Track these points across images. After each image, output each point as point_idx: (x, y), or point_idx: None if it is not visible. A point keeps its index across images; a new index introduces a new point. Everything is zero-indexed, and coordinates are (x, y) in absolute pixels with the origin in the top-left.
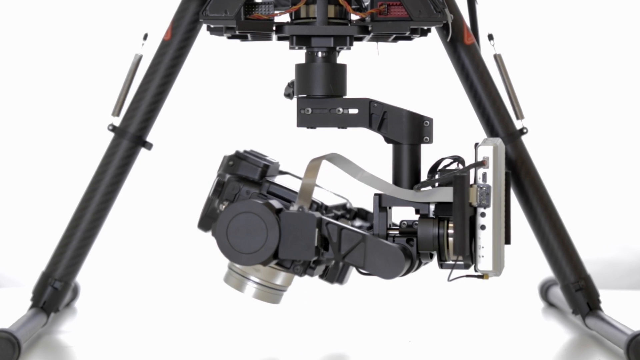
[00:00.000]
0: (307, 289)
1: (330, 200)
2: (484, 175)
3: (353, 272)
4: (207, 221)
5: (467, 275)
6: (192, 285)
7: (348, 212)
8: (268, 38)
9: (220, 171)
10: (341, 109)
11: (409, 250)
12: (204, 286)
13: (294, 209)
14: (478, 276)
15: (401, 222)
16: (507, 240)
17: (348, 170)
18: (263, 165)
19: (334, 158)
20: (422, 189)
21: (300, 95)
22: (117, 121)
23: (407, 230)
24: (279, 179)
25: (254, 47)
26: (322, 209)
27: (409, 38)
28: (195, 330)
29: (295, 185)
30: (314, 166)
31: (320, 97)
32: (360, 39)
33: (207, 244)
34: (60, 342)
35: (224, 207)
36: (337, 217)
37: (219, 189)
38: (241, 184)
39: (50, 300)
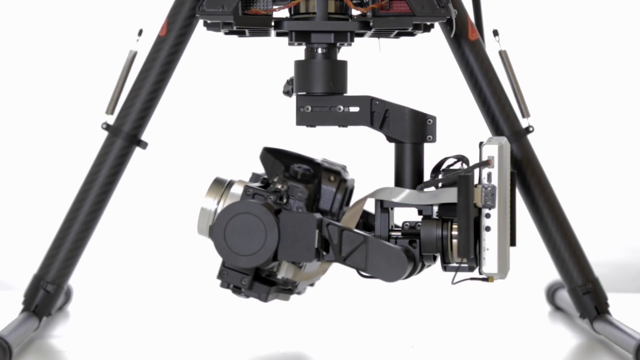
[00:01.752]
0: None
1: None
2: (489, 175)
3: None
4: (269, 158)
5: (472, 278)
6: (189, 288)
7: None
8: (266, 34)
9: (325, 165)
10: (342, 107)
11: (411, 252)
12: (200, 289)
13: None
14: (483, 279)
15: (403, 223)
16: (513, 242)
17: (392, 196)
18: (333, 212)
19: (378, 193)
20: (425, 190)
21: (299, 93)
22: (111, 119)
23: (410, 232)
24: None
25: (252, 43)
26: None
27: (411, 34)
28: (191, 335)
29: None
30: (354, 213)
31: (320, 94)
32: (361, 35)
33: (203, 245)
34: (53, 347)
35: (278, 186)
36: None
37: (299, 178)
38: (307, 201)
39: (42, 303)
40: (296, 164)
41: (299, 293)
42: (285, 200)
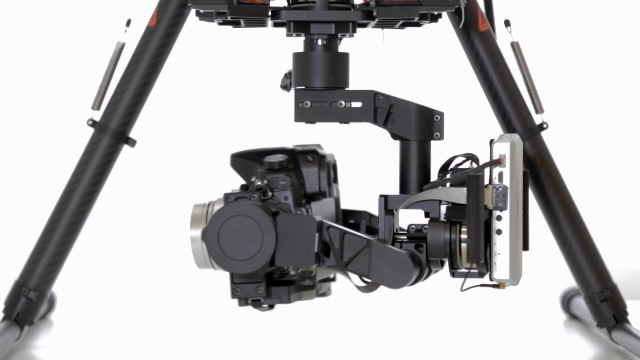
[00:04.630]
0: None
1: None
2: (500, 174)
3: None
4: (240, 162)
5: (482, 285)
6: (180, 294)
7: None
8: (263, 24)
9: (297, 149)
10: (343, 102)
11: (417, 257)
12: (191, 296)
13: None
14: (494, 285)
15: (409, 226)
16: (526, 246)
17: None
18: (323, 191)
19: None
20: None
21: (298, 87)
22: (97, 115)
23: (416, 235)
24: (318, 208)
25: (248, 34)
26: None
27: (417, 24)
28: (182, 346)
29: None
30: None
31: (320, 89)
32: (364, 26)
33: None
34: (35, 357)
35: (258, 182)
36: None
37: (277, 168)
38: (291, 188)
39: (24, 312)
40: (269, 156)
41: (324, 294)
42: (270, 194)
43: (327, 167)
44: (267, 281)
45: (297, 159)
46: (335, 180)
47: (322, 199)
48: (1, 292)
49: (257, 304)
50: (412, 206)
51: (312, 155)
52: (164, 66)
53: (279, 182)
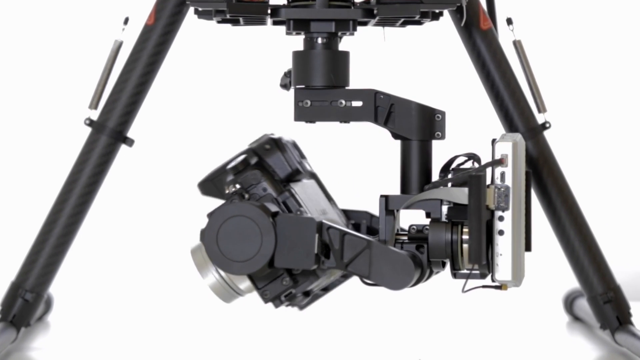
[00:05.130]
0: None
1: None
2: (502, 174)
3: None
4: (209, 187)
5: (484, 286)
6: (177, 296)
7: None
8: (262, 22)
9: (253, 146)
10: (343, 101)
11: (418, 258)
12: (190, 297)
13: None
14: (496, 287)
15: (410, 226)
16: (528, 247)
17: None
18: (295, 168)
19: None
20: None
21: (298, 86)
22: (94, 115)
23: (417, 236)
24: (302, 189)
25: (247, 33)
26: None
27: (418, 22)
28: (178, 346)
29: (317, 200)
30: None
31: (320, 88)
32: (364, 24)
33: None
34: (32, 359)
35: (233, 189)
36: None
37: (241, 168)
38: (264, 177)
39: (21, 313)
40: (230, 164)
41: (345, 275)
42: (247, 195)
43: (287, 147)
44: (288, 271)
45: (257, 154)
46: (303, 156)
47: (302, 180)
48: None
49: (291, 298)
50: (413, 206)
51: (269, 143)
52: (162, 65)
53: (249, 179)
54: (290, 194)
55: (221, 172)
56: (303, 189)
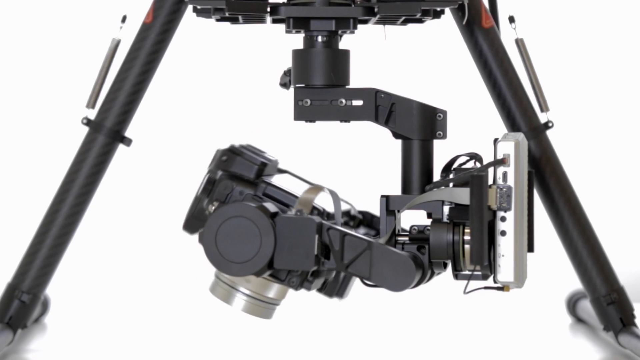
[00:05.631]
0: (305, 302)
1: (332, 206)
2: (505, 174)
3: (356, 284)
4: (194, 223)
5: (486, 287)
6: (176, 297)
7: (352, 220)
8: (262, 20)
9: (211, 167)
10: (344, 101)
11: (420, 259)
12: (189, 298)
13: (292, 214)
14: (498, 288)
15: (411, 227)
16: (531, 248)
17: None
18: (260, 163)
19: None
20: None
21: (297, 85)
22: (92, 114)
23: (418, 237)
24: (277, 179)
25: (246, 31)
26: (324, 215)
27: (420, 20)
28: (176, 347)
29: (295, 186)
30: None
31: (320, 87)
32: (365, 22)
33: (194, 250)
34: None
35: (213, 208)
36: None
37: (209, 187)
38: (234, 183)
39: (17, 315)
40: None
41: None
42: (225, 199)
43: (243, 150)
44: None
45: (219, 169)
46: (262, 151)
47: (273, 174)
48: None
49: (318, 274)
50: (415, 207)
51: (224, 154)
52: (161, 64)
53: (222, 190)
54: (266, 183)
55: (196, 203)
56: (279, 180)
